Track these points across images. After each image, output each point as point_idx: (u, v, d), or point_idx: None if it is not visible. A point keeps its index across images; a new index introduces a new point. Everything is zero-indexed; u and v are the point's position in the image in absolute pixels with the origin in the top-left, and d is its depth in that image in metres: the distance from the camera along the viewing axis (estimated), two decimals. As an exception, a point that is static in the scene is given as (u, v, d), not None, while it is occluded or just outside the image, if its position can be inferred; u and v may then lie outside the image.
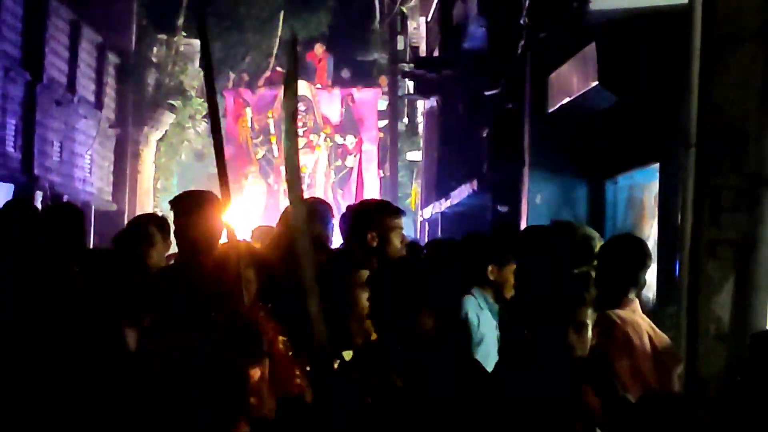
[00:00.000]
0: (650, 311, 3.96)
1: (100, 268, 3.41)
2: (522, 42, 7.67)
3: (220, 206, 2.46)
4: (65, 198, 14.67)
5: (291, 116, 2.09)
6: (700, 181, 3.57)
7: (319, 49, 19.48)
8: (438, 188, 14.18)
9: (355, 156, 19.19)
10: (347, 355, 2.62)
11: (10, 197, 11.51)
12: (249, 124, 19.06)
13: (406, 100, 19.42)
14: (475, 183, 10.12)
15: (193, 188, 3.56)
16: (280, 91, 18.69)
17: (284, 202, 17.55)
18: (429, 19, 15.43)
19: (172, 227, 3.22)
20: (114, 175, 18.61)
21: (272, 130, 18.96)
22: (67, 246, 3.38)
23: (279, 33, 18.94)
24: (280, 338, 2.32)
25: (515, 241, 3.43)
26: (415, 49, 17.50)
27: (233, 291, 2.26)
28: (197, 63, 18.52)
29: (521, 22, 7.51)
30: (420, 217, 16.82)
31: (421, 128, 18.66)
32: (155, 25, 18.50)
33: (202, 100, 17.50)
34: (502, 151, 8.61)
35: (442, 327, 2.40)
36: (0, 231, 3.32)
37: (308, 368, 2.33)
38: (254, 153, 19.11)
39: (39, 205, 10.86)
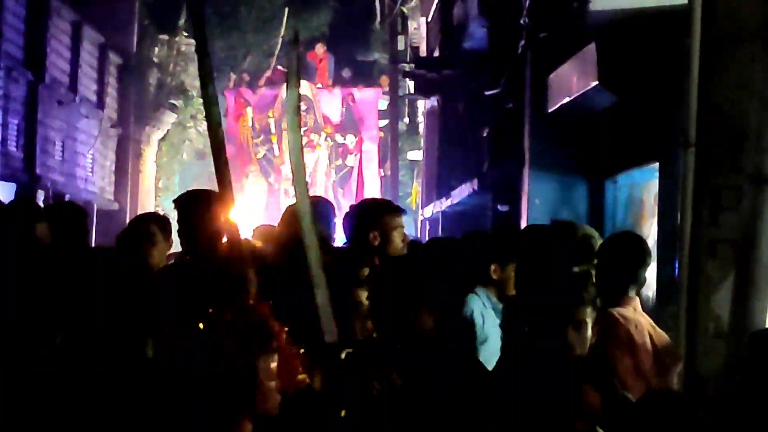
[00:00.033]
0: (650, 310, 3.98)
1: (103, 267, 3.42)
2: (522, 42, 7.68)
3: (225, 205, 2.47)
4: (67, 197, 14.70)
5: (295, 109, 2.10)
6: (699, 181, 3.58)
7: (320, 49, 19.50)
8: (438, 187, 14.19)
9: (355, 155, 19.21)
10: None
11: (12, 196, 11.53)
12: (250, 124, 19.08)
13: (406, 100, 19.44)
14: (475, 182, 10.13)
15: (194, 187, 3.58)
16: (281, 91, 18.72)
17: (285, 201, 17.58)
18: (429, 19, 15.44)
19: (175, 226, 3.24)
20: (116, 174, 18.64)
21: (273, 130, 18.98)
22: (70, 245, 3.39)
23: (282, 32, 18.95)
24: (284, 334, 2.33)
25: (516, 240, 3.44)
26: (415, 49, 17.50)
27: (240, 287, 2.28)
28: (198, 63, 18.53)
29: (521, 22, 7.52)
30: (420, 216, 16.83)
31: (421, 128, 18.67)
32: (157, 25, 18.53)
33: (204, 99, 17.50)
34: (503, 151, 8.62)
35: (443, 326, 2.41)
36: (2, 230, 3.34)
37: (311, 362, 2.34)
38: (255, 152, 19.13)
39: (41, 204, 10.86)
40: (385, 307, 2.45)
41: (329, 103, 19.15)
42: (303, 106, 18.13)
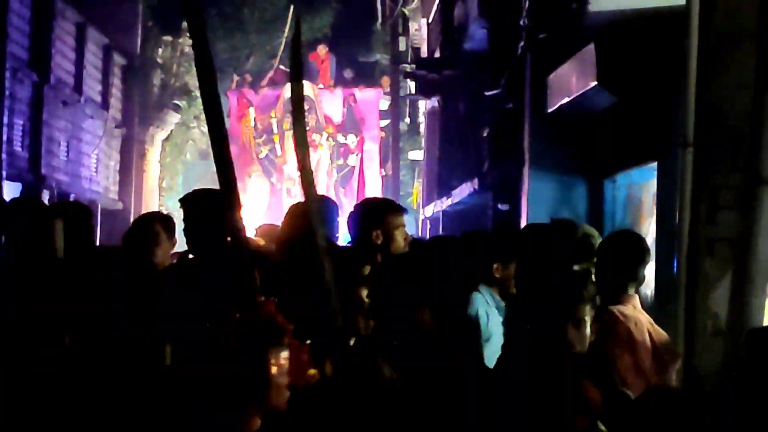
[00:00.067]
0: (649, 308, 4.01)
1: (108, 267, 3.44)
2: (522, 43, 7.71)
3: (232, 204, 2.50)
4: (72, 197, 14.76)
5: (298, 104, 2.12)
6: (697, 180, 3.61)
7: (322, 50, 19.53)
8: (439, 187, 14.22)
9: (356, 155, 19.23)
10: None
11: (17, 196, 11.57)
12: (252, 124, 19.11)
13: (407, 100, 19.45)
14: (475, 182, 10.16)
15: (198, 187, 3.61)
16: (283, 91, 18.74)
17: (287, 201, 17.61)
18: (430, 20, 15.46)
19: (181, 225, 3.27)
20: (120, 174, 18.70)
21: (275, 130, 19.01)
22: (75, 244, 3.41)
23: (286, 32, 18.97)
24: (290, 330, 2.36)
25: (517, 239, 3.47)
26: (416, 50, 17.52)
27: (248, 285, 2.31)
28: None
29: (521, 23, 7.55)
30: (421, 215, 16.86)
31: (422, 128, 18.69)
32: (160, 27, 18.57)
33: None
34: (503, 151, 8.65)
35: (445, 324, 2.43)
36: (7, 228, 3.36)
37: (316, 358, 2.37)
38: (257, 152, 19.16)
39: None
40: (384, 304, 2.47)
41: (331, 103, 19.18)
42: (305, 106, 18.11)
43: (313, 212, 2.14)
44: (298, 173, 2.32)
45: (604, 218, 6.99)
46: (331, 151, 19.10)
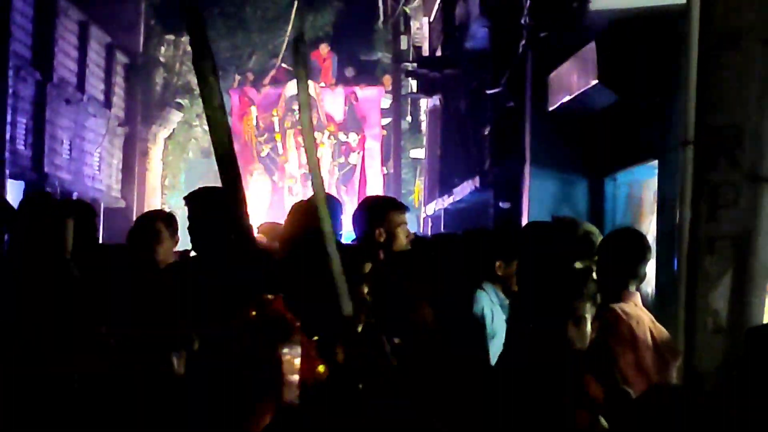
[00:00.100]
0: (650, 306, 4.03)
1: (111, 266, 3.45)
2: (523, 41, 7.73)
3: (238, 202, 2.51)
4: (74, 195, 14.80)
5: (306, 105, 2.13)
6: (698, 178, 3.61)
7: (323, 48, 19.56)
8: (441, 185, 14.24)
9: (358, 153, 19.26)
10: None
11: (20, 194, 11.61)
12: (254, 123, 19.14)
13: (409, 99, 19.47)
14: (477, 180, 10.19)
15: (200, 185, 3.63)
16: (285, 90, 18.77)
17: (288, 199, 17.65)
18: (431, 19, 15.47)
19: (186, 223, 3.29)
20: (122, 172, 18.73)
21: (277, 128, 19.04)
22: (79, 242, 3.43)
23: (288, 31, 18.98)
24: (298, 327, 2.38)
25: (518, 237, 3.49)
26: (418, 49, 17.54)
27: (255, 281, 2.32)
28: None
29: (522, 22, 7.57)
30: (423, 213, 16.88)
31: (424, 126, 18.71)
32: (163, 26, 18.59)
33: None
34: (504, 149, 8.68)
35: (448, 321, 2.45)
36: (18, 226, 3.37)
37: (324, 353, 2.39)
38: (259, 151, 19.19)
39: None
40: (387, 302, 2.49)
41: (332, 101, 19.21)
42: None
43: (320, 202, 2.16)
44: (307, 169, 2.33)
45: (605, 216, 7.01)
46: (332, 150, 19.13)
